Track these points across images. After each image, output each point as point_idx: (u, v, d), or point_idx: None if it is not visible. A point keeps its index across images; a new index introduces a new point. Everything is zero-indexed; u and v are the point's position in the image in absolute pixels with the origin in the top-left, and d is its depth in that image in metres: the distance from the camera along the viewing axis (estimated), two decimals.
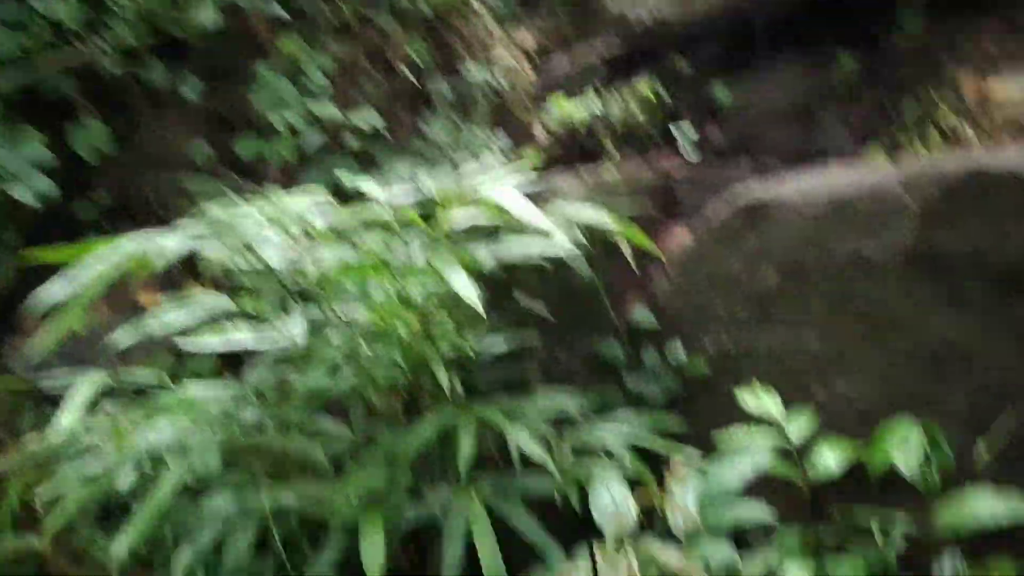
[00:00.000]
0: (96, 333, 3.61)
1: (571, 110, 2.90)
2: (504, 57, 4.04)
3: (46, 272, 1.94)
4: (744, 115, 2.93)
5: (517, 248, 2.10)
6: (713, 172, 2.74)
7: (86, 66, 3.52)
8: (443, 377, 2.05)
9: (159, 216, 3.84)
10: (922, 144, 2.52)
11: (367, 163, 3.85)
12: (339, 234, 2.24)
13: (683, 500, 1.63)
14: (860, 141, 2.83)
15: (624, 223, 2.30)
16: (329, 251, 1.96)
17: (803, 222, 2.21)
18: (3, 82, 3.35)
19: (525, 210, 1.79)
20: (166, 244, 1.74)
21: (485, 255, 2.04)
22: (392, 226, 2.18)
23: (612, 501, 1.71)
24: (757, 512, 1.55)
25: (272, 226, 2.18)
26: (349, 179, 2.37)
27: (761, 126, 2.91)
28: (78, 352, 3.58)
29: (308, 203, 2.24)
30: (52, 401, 2.77)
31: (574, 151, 2.88)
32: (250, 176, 3.77)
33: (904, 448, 1.63)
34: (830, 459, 1.90)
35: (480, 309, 1.69)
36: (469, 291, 1.69)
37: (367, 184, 2.31)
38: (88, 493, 2.00)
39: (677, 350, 2.34)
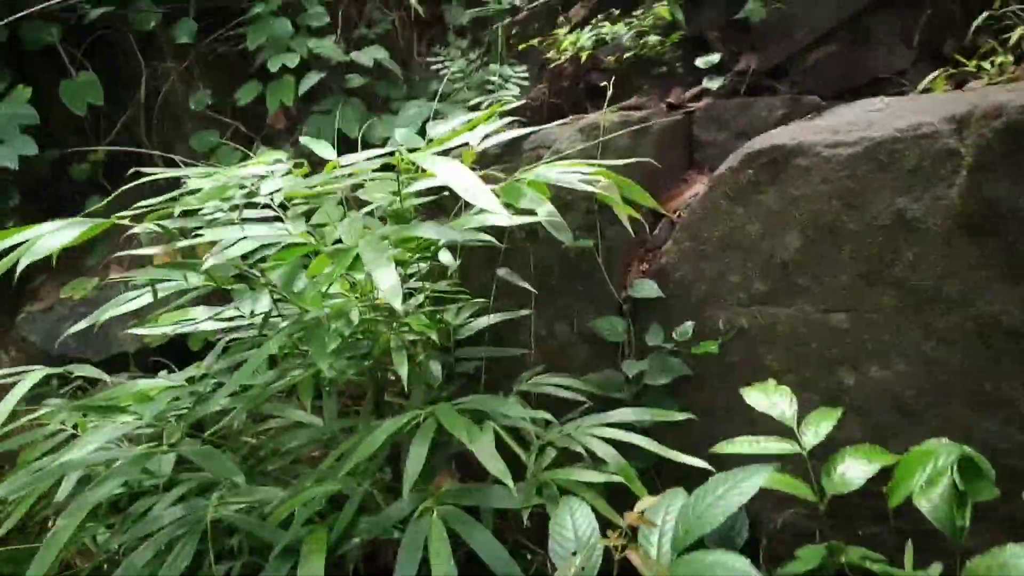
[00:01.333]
0: (108, 293, 3.50)
1: (576, 38, 2.51)
2: None
3: None
4: (781, 34, 2.49)
5: (481, 218, 1.78)
6: (741, 108, 2.33)
7: (69, 11, 3.29)
8: (403, 369, 1.79)
9: (161, 167, 3.66)
10: (991, 67, 2.08)
11: (374, 103, 3.55)
12: (287, 206, 1.98)
13: (652, 548, 1.35)
14: (921, 63, 2.39)
15: (623, 180, 1.93)
16: (258, 231, 1.70)
17: (832, 174, 1.84)
18: None
19: (468, 187, 1.48)
20: (53, 241, 1.50)
21: (445, 231, 1.73)
22: (340, 199, 1.91)
23: (573, 535, 1.44)
24: (738, 565, 1.26)
25: (216, 199, 1.94)
26: (315, 143, 2.06)
27: (801, 48, 2.48)
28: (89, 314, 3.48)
29: (257, 172, 1.97)
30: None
31: (578, 89, 2.51)
32: (250, 120, 3.53)
33: (929, 482, 1.29)
34: (852, 470, 1.58)
35: (399, 308, 1.40)
36: (392, 289, 1.40)
37: (323, 148, 2.02)
38: (29, 502, 1.85)
39: (684, 327, 2.01)
